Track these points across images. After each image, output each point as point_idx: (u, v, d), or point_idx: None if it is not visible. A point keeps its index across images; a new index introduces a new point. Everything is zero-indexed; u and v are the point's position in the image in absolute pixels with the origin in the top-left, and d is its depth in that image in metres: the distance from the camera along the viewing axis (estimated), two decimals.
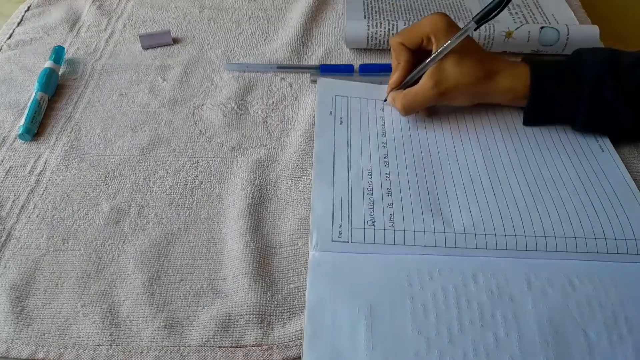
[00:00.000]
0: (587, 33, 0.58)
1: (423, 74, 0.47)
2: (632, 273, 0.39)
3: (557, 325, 0.35)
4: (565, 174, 0.45)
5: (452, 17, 0.62)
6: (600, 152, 0.47)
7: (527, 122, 0.49)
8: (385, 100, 0.51)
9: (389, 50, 0.59)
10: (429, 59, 0.46)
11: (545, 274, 0.38)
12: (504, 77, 0.46)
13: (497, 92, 0.47)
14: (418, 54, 0.48)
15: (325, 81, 0.54)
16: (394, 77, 0.49)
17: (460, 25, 0.47)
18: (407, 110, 0.48)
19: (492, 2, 0.44)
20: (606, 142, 0.48)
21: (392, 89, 0.50)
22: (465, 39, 0.45)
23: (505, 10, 0.63)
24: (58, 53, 0.57)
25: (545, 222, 0.41)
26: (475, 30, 0.45)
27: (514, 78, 0.46)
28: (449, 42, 0.45)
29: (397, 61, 0.49)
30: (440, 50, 0.45)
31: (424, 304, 0.36)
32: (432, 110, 0.50)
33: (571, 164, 0.46)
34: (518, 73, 0.46)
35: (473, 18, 0.45)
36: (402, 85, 0.49)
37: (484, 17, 0.44)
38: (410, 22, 0.58)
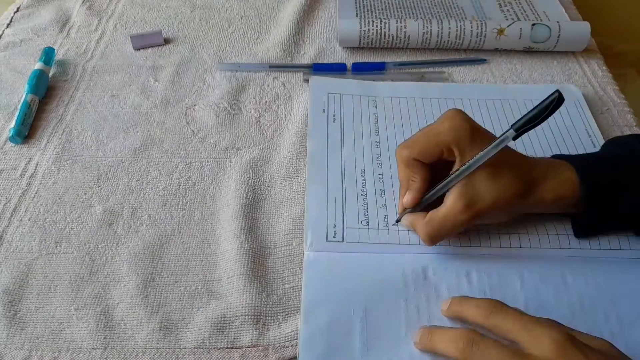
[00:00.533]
0: (578, 29, 0.58)
1: (444, 192, 0.38)
2: (623, 270, 0.39)
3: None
4: None
5: (444, 15, 0.62)
6: (593, 148, 0.48)
7: (581, 235, 0.41)
8: (397, 222, 0.41)
9: (382, 48, 0.60)
10: (452, 175, 0.37)
11: (538, 272, 0.38)
12: (548, 186, 0.38)
13: (542, 205, 0.39)
14: (434, 165, 0.40)
15: (317, 79, 0.54)
16: (408, 197, 0.39)
17: (468, 25, 0.39)
18: (434, 239, 0.38)
19: (536, 107, 0.36)
20: (598, 138, 0.48)
21: (404, 211, 0.40)
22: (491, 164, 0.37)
23: (497, 7, 0.64)
24: (48, 54, 0.57)
25: (537, 219, 0.41)
26: (514, 139, 0.36)
27: (561, 186, 0.38)
28: (480, 155, 0.36)
29: (409, 178, 0.39)
30: (469, 165, 0.37)
31: (417, 306, 0.36)
32: (466, 231, 0.41)
33: None
34: (564, 180, 0.38)
35: (512, 125, 0.36)
36: (418, 206, 0.40)
37: (525, 125, 0.36)
38: (402, 20, 0.58)
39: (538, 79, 0.56)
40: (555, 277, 0.38)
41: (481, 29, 0.57)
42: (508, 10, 0.63)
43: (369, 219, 0.41)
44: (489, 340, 0.31)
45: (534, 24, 0.57)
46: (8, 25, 0.63)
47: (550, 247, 0.40)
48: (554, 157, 0.41)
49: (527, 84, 0.55)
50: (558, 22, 0.58)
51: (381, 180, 0.44)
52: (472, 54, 0.59)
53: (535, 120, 0.36)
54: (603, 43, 0.63)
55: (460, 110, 0.39)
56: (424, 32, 0.57)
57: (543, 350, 0.30)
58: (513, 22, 0.57)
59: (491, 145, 0.36)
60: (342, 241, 0.40)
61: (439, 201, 0.38)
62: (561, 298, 0.37)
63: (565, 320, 0.35)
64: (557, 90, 0.34)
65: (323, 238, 0.40)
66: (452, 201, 0.37)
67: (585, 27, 0.58)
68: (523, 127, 0.36)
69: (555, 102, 0.35)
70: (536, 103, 0.54)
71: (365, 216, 0.41)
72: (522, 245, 0.40)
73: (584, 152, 0.47)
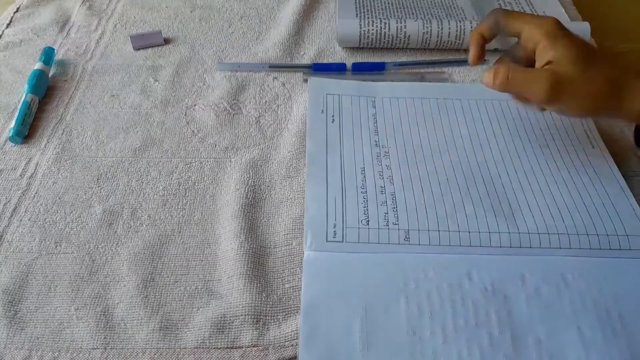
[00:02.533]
0: (578, 29, 0.58)
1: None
2: (624, 269, 0.39)
3: (550, 322, 0.35)
4: (555, 170, 0.45)
5: (444, 15, 0.62)
6: (591, 148, 0.48)
7: None
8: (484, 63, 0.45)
9: (382, 48, 0.60)
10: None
11: (539, 271, 0.38)
12: (636, 98, 0.37)
13: (628, 116, 0.38)
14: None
15: (316, 80, 0.54)
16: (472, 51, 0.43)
17: (467, 24, 0.43)
18: (504, 89, 0.39)
19: None
20: (597, 138, 0.49)
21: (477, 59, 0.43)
22: (580, 50, 0.37)
23: (497, 7, 0.64)
24: (48, 54, 0.57)
25: (538, 219, 0.41)
26: None
27: None
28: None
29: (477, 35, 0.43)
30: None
31: (418, 304, 0.36)
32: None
33: (562, 160, 0.46)
34: None
35: None
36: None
37: None
38: (402, 20, 0.58)
39: None
40: (556, 276, 0.38)
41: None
42: None
43: (369, 218, 0.41)
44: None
45: None
46: (8, 25, 0.63)
47: (551, 247, 0.40)
48: None
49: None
50: None
51: (381, 177, 0.44)
52: None
53: None
54: (603, 43, 0.63)
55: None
56: (424, 32, 0.57)
57: None
58: None
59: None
60: (342, 241, 0.40)
61: None
62: (562, 297, 0.37)
63: (567, 319, 0.36)
64: None
65: (323, 238, 0.40)
66: (543, 69, 0.37)
67: (585, 27, 0.58)
68: None
69: None
70: None
71: (366, 215, 0.41)
72: (523, 245, 0.40)
73: (584, 152, 0.47)
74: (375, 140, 0.48)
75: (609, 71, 0.37)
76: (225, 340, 0.36)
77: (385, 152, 0.47)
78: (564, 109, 0.39)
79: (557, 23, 0.39)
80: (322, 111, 0.50)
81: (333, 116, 0.50)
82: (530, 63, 0.41)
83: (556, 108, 0.39)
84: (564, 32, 0.38)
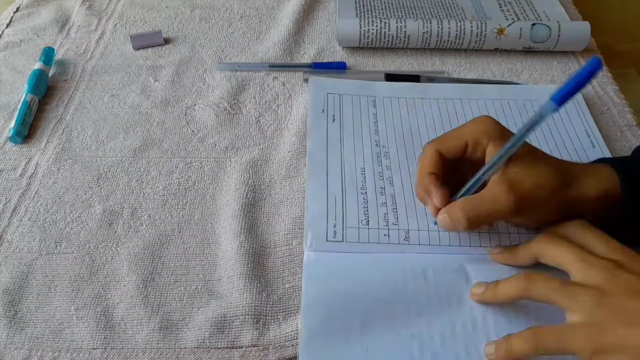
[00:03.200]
0: (578, 29, 0.58)
1: (480, 185, 0.37)
2: None
3: (549, 324, 0.35)
4: None
5: (444, 14, 0.62)
6: (592, 148, 0.48)
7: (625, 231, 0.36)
8: (435, 223, 0.40)
9: (381, 48, 0.60)
10: (488, 165, 0.36)
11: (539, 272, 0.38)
12: (588, 181, 0.36)
13: (585, 200, 0.36)
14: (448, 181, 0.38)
15: (316, 79, 0.54)
16: (436, 196, 0.37)
17: (468, 24, 0.38)
18: (473, 222, 0.36)
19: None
20: (597, 137, 0.49)
21: (438, 211, 0.38)
22: (529, 155, 0.36)
23: (497, 7, 0.64)
24: (48, 54, 0.57)
25: None
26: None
27: (601, 180, 0.36)
28: (517, 137, 0.35)
29: (428, 171, 0.38)
30: (505, 151, 0.35)
31: (417, 307, 0.36)
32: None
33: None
34: (603, 174, 0.36)
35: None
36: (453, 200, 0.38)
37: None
38: (402, 20, 0.58)
39: (538, 79, 0.56)
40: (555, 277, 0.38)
41: (481, 28, 0.57)
42: (508, 10, 0.63)
43: (369, 218, 0.41)
44: (547, 275, 0.33)
45: (534, 24, 0.57)
46: (8, 25, 0.63)
47: None
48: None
49: (527, 84, 0.55)
50: (558, 21, 0.58)
51: (381, 178, 0.44)
52: (472, 53, 0.59)
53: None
54: (603, 43, 0.63)
55: (489, 117, 0.38)
56: (424, 32, 0.57)
57: (593, 279, 0.31)
58: (513, 22, 0.57)
59: (529, 121, 0.34)
60: (342, 241, 0.40)
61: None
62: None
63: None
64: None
65: (323, 238, 0.40)
66: (494, 183, 0.35)
67: (585, 26, 0.58)
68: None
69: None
70: (536, 103, 0.54)
71: (366, 215, 0.41)
72: None
73: (584, 152, 0.47)
74: (375, 140, 0.48)
75: (554, 163, 0.37)
76: (226, 340, 0.36)
77: (385, 152, 0.47)
78: (528, 219, 0.37)
79: (491, 120, 0.38)
80: (323, 110, 0.50)
81: (333, 115, 0.50)
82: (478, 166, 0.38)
83: (520, 220, 0.38)
84: (504, 130, 0.37)
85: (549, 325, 0.32)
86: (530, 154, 0.36)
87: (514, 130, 0.38)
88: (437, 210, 0.38)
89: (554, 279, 0.32)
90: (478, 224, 0.36)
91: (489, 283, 0.36)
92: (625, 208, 0.36)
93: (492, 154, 0.36)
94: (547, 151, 0.46)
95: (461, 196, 0.38)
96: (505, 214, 0.35)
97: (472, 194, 0.37)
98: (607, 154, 0.47)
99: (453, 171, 0.39)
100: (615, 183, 0.36)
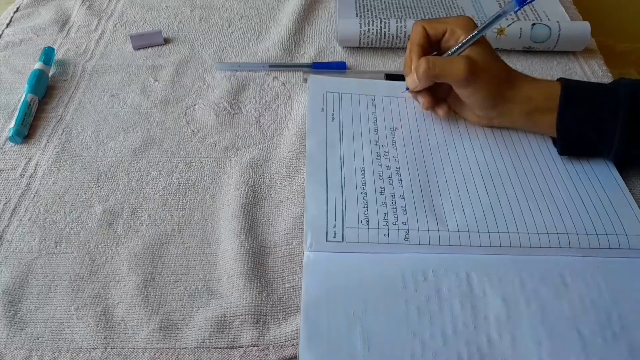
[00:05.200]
0: (578, 29, 0.58)
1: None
2: (623, 269, 0.39)
3: (549, 325, 0.35)
4: (555, 170, 0.45)
5: (444, 14, 0.62)
6: None
7: (561, 150, 0.46)
8: (406, 90, 0.48)
9: (381, 48, 0.60)
10: (458, 45, 0.45)
11: (538, 273, 0.38)
12: (525, 86, 0.45)
13: (516, 99, 0.45)
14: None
15: (316, 78, 0.54)
16: (420, 60, 0.45)
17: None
18: (429, 74, 0.44)
19: None
20: None
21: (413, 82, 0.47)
22: (488, 48, 0.45)
23: (497, 7, 0.64)
24: (48, 54, 0.57)
25: (537, 219, 0.41)
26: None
27: (533, 87, 0.45)
28: (487, 22, 0.44)
29: (416, 45, 0.46)
30: (471, 37, 0.44)
31: (418, 306, 0.36)
32: (447, 108, 0.49)
33: (560, 160, 0.46)
34: (540, 84, 0.45)
35: None
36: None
37: None
38: (402, 20, 0.58)
39: None
40: (555, 278, 0.38)
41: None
42: None
43: (369, 218, 0.41)
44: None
45: (534, 24, 0.57)
46: (8, 25, 0.63)
47: (550, 247, 0.40)
48: None
49: None
50: (558, 21, 0.58)
51: (381, 178, 0.44)
52: None
53: None
54: (603, 43, 0.63)
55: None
56: None
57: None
58: (513, 22, 0.57)
59: (493, 16, 0.44)
60: (342, 241, 0.40)
61: None
62: (561, 298, 0.37)
63: (566, 321, 0.36)
64: None
65: (323, 238, 0.40)
66: (459, 56, 0.44)
67: (585, 26, 0.58)
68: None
69: None
70: None
71: (365, 215, 0.41)
72: (522, 245, 0.40)
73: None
74: (375, 140, 0.48)
75: (505, 65, 0.46)
76: (226, 340, 0.36)
77: (385, 151, 0.47)
78: (475, 91, 0.45)
79: (472, 21, 0.46)
80: (322, 109, 0.50)
81: (333, 114, 0.50)
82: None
83: (469, 91, 0.45)
84: (475, 27, 0.45)
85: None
86: (491, 50, 0.45)
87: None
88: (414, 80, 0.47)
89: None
90: (434, 78, 0.45)
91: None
92: (560, 113, 0.44)
93: (462, 36, 0.45)
94: (545, 149, 0.47)
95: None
96: (457, 78, 0.44)
97: None
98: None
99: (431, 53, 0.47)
100: (549, 95, 0.44)
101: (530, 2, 0.42)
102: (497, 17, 0.44)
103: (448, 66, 0.44)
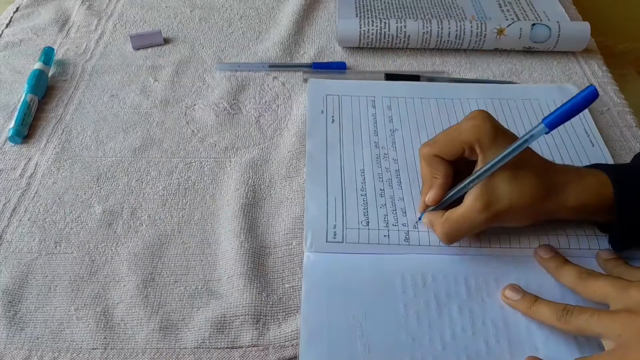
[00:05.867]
0: (578, 29, 0.58)
1: (466, 192, 0.38)
2: None
3: (547, 330, 0.35)
4: None
5: (444, 14, 0.62)
6: (591, 147, 0.48)
7: (618, 247, 0.39)
8: (419, 219, 0.41)
9: (381, 48, 0.60)
10: (474, 175, 0.37)
11: (537, 276, 0.38)
12: (571, 191, 0.37)
13: (563, 210, 0.38)
14: (457, 163, 0.39)
15: (315, 81, 0.54)
16: (430, 194, 0.39)
17: (468, 24, 0.39)
18: (451, 238, 0.38)
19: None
20: (596, 136, 0.49)
21: (426, 208, 0.40)
22: (515, 163, 0.36)
23: (497, 7, 0.64)
24: (48, 54, 0.57)
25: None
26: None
27: (583, 191, 0.37)
28: (504, 154, 0.36)
29: (432, 175, 0.39)
30: (491, 165, 0.36)
31: (417, 312, 0.36)
32: (481, 234, 0.40)
33: (561, 159, 0.46)
34: (588, 184, 0.37)
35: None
36: (439, 204, 0.39)
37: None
38: (402, 20, 0.58)
39: (538, 79, 0.56)
40: (553, 282, 0.38)
41: (481, 29, 0.57)
42: (508, 10, 0.63)
43: (369, 219, 0.41)
44: (582, 307, 0.34)
45: (533, 24, 0.57)
46: (7, 25, 0.63)
47: None
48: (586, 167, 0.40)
49: (527, 84, 0.55)
50: (558, 22, 0.58)
51: (381, 180, 0.44)
52: (472, 53, 0.59)
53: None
54: (603, 43, 0.63)
55: (485, 111, 0.38)
56: (423, 32, 0.57)
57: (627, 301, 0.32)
58: (513, 22, 0.57)
59: (517, 143, 0.35)
60: (342, 242, 0.40)
61: (460, 201, 0.38)
62: (564, 301, 0.37)
63: None
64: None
65: (323, 239, 0.40)
66: (470, 200, 0.37)
67: (585, 27, 0.58)
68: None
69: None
70: (535, 103, 0.54)
71: (365, 216, 0.41)
72: (522, 246, 0.40)
73: (584, 150, 0.47)
74: (375, 142, 0.48)
75: (542, 171, 0.37)
76: (225, 340, 0.36)
77: (385, 153, 0.47)
78: (507, 223, 0.38)
79: (486, 122, 0.37)
80: (322, 112, 0.50)
81: (333, 116, 0.50)
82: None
83: (501, 224, 0.38)
84: (497, 135, 0.37)
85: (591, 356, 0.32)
86: (518, 165, 0.36)
87: (512, 129, 0.39)
88: (425, 206, 0.40)
89: (587, 309, 0.33)
90: (456, 239, 0.39)
91: (527, 293, 0.37)
92: (620, 212, 0.37)
93: (480, 163, 0.37)
94: (546, 151, 0.46)
95: (449, 198, 0.39)
96: (480, 228, 0.37)
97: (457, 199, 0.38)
98: (607, 154, 0.47)
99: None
100: (600, 191, 0.37)
101: (562, 124, 0.34)
102: (523, 143, 0.35)
103: (466, 222, 0.37)
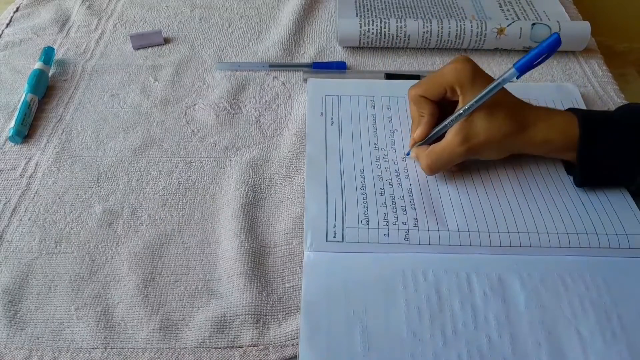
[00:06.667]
0: (578, 29, 0.58)
1: (448, 129, 0.42)
2: (623, 270, 0.39)
3: (549, 325, 0.35)
4: (554, 170, 0.45)
5: (444, 14, 0.62)
6: None
7: (580, 182, 0.43)
8: (407, 155, 0.46)
9: (381, 48, 0.60)
10: (455, 114, 0.42)
11: (538, 273, 0.38)
12: (539, 128, 0.42)
13: (532, 145, 0.43)
14: (442, 104, 0.44)
15: (315, 82, 0.54)
16: (418, 131, 0.44)
17: (468, 24, 0.44)
18: (432, 169, 0.43)
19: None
20: None
21: (415, 144, 0.45)
22: (490, 103, 0.41)
23: (497, 7, 0.64)
24: (48, 54, 0.57)
25: (537, 219, 0.41)
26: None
27: (550, 128, 0.42)
28: (480, 95, 0.40)
29: (419, 114, 0.44)
30: (469, 106, 0.41)
31: (418, 307, 0.36)
32: (462, 166, 0.45)
33: (560, 159, 0.46)
34: (555, 123, 0.42)
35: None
36: (425, 140, 0.44)
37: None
38: (402, 20, 0.58)
39: (538, 79, 0.56)
40: (555, 278, 0.38)
41: (481, 28, 0.57)
42: (508, 10, 0.63)
43: (369, 219, 0.41)
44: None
45: (534, 24, 0.57)
46: (7, 24, 0.63)
47: (550, 247, 0.40)
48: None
49: (527, 84, 0.55)
50: (558, 21, 0.58)
51: (380, 179, 0.44)
52: (472, 53, 0.59)
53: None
54: (603, 43, 0.63)
55: (466, 56, 0.43)
56: (424, 32, 0.57)
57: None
58: (513, 22, 0.57)
59: (492, 85, 0.40)
60: (342, 241, 0.40)
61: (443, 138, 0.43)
62: (561, 299, 0.37)
63: (566, 321, 0.36)
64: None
65: (323, 238, 0.40)
66: (451, 135, 0.42)
67: (585, 26, 0.58)
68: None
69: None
70: (535, 103, 0.54)
71: (365, 215, 0.41)
72: (522, 245, 0.40)
73: None
74: (374, 143, 0.48)
75: (514, 112, 0.42)
76: (226, 339, 0.36)
77: (384, 154, 0.47)
78: (484, 156, 0.43)
79: (467, 66, 0.42)
80: (321, 114, 0.50)
81: (332, 118, 0.50)
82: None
83: (477, 157, 0.43)
84: (476, 78, 0.41)
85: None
86: (494, 104, 0.41)
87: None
88: (414, 142, 0.45)
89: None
90: (438, 170, 0.44)
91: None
92: (582, 149, 0.41)
93: (461, 103, 0.42)
94: None
95: (434, 134, 0.44)
96: (459, 159, 0.42)
97: (442, 135, 0.43)
98: None
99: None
100: (565, 130, 0.42)
101: (532, 68, 0.39)
102: (496, 87, 0.40)
103: (446, 154, 0.42)
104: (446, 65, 0.42)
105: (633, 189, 0.43)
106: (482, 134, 0.41)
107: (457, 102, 0.42)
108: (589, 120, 0.41)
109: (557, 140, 0.42)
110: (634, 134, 0.41)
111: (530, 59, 0.38)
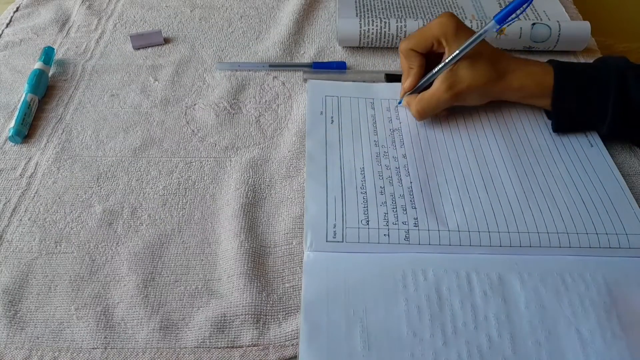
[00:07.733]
0: (578, 29, 0.58)
1: (435, 78, 0.47)
2: (623, 269, 0.39)
3: (549, 325, 0.35)
4: (555, 170, 0.45)
5: None
6: (590, 147, 0.48)
7: (556, 124, 0.48)
8: (399, 103, 0.51)
9: (381, 48, 0.60)
10: (441, 65, 0.46)
11: (538, 273, 0.38)
12: (516, 76, 0.47)
13: (508, 91, 0.48)
14: (429, 57, 0.48)
15: (315, 82, 0.54)
16: (407, 82, 0.49)
17: (468, 23, 0.47)
18: (422, 114, 0.48)
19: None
20: (595, 138, 0.49)
21: (405, 93, 0.50)
22: (472, 53, 0.45)
23: (497, 6, 0.64)
24: (48, 54, 0.57)
25: (537, 218, 0.41)
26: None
27: (526, 76, 0.47)
28: (463, 46, 0.45)
29: (408, 66, 0.49)
30: (454, 56, 0.45)
31: (418, 306, 0.36)
32: (450, 111, 0.50)
33: (561, 160, 0.46)
34: (532, 72, 0.47)
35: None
36: (415, 89, 0.49)
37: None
38: (402, 20, 0.58)
39: None
40: (555, 277, 0.38)
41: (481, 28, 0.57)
42: None
43: (369, 218, 0.41)
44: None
45: (534, 24, 0.57)
46: (7, 24, 0.63)
47: (550, 246, 0.40)
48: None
49: None
50: (558, 21, 0.58)
51: (381, 177, 0.44)
52: None
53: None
54: (603, 43, 0.63)
55: (451, 12, 0.48)
56: None
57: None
58: (513, 22, 0.57)
59: (474, 36, 0.44)
60: (342, 241, 0.40)
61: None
62: (561, 298, 0.37)
63: (566, 321, 0.36)
64: None
65: (323, 238, 0.40)
66: (438, 83, 0.47)
67: (585, 26, 0.58)
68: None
69: None
70: None
71: (365, 215, 0.41)
72: (522, 244, 0.40)
73: (583, 151, 0.47)
74: (374, 141, 0.48)
75: (492, 60, 0.46)
76: (226, 339, 0.36)
77: (384, 152, 0.47)
78: (467, 101, 0.48)
79: (451, 21, 0.46)
80: (321, 112, 0.50)
81: (332, 117, 0.50)
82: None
83: (462, 102, 0.48)
84: (457, 32, 0.46)
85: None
86: (476, 55, 0.46)
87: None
88: (404, 91, 0.50)
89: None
90: (427, 115, 0.48)
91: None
92: (556, 97, 0.46)
93: (446, 54, 0.46)
94: (546, 151, 0.47)
95: (423, 83, 0.48)
96: (446, 105, 0.47)
97: (430, 83, 0.48)
98: (606, 154, 0.47)
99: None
100: (540, 80, 0.46)
101: (510, 21, 0.43)
102: (478, 38, 0.44)
103: (433, 100, 0.47)
104: (433, 20, 0.47)
105: (604, 132, 0.47)
106: (465, 81, 0.46)
107: (441, 56, 0.47)
108: (563, 71, 0.46)
109: (532, 87, 0.47)
110: (604, 83, 0.45)
111: (509, 11, 0.42)
